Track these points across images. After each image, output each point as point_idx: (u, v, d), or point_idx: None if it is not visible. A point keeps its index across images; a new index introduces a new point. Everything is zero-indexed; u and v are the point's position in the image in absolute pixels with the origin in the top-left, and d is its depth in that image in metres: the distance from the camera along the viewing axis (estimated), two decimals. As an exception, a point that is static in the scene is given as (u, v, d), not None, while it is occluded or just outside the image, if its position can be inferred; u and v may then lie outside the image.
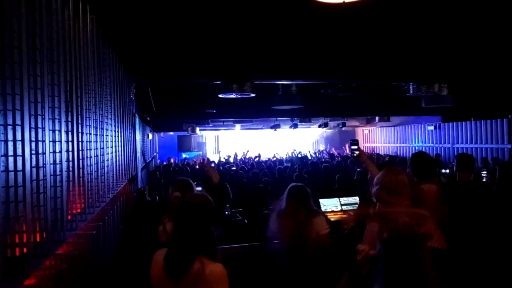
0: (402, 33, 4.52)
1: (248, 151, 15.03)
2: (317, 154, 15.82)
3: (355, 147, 3.61)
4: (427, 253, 1.99)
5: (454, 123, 12.38)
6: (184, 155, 18.63)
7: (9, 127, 1.40)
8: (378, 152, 16.98)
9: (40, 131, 1.68)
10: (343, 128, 16.44)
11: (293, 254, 3.27)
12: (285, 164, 10.41)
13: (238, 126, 14.38)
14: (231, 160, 14.19)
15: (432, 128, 13.50)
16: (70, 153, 2.15)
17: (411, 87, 6.70)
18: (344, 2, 2.02)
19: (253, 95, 6.07)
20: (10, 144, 1.40)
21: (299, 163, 10.57)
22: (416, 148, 14.34)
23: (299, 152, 15.45)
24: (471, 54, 5.44)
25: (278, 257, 3.41)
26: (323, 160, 12.66)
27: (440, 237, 2.89)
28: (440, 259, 2.52)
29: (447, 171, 6.21)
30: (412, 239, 1.92)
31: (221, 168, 10.09)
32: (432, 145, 13.73)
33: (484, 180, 6.09)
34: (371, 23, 4.08)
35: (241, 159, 14.11)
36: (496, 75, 6.91)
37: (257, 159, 13.37)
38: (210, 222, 2.05)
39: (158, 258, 2.01)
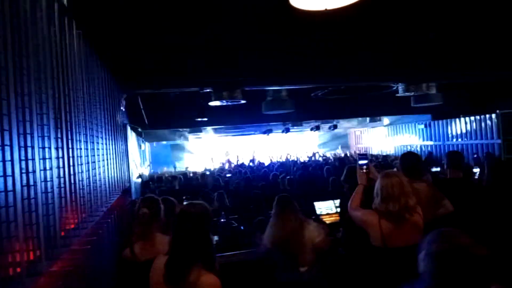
0: (388, 35, 4.59)
1: (228, 153, 15.00)
2: (313, 158, 15.82)
3: (364, 161, 3.14)
4: None
5: (444, 120, 12.52)
6: (177, 164, 18.58)
7: (-2, 148, 1.40)
8: (371, 153, 17.07)
9: (29, 149, 1.68)
10: (335, 130, 16.52)
11: (286, 264, 3.24)
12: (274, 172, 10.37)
13: (211, 133, 14.05)
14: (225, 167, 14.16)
15: (422, 126, 13.63)
16: (61, 169, 2.15)
17: (400, 87, 6.77)
18: (326, 9, 2.06)
19: (243, 101, 6.10)
20: (0, 164, 1.41)
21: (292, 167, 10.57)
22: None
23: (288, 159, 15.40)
24: (458, 52, 5.53)
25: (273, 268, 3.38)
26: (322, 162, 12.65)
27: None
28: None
29: (438, 169, 6.27)
30: None
31: (216, 175, 10.07)
32: (423, 143, 13.86)
33: (477, 177, 6.15)
34: (356, 26, 4.14)
35: (236, 165, 14.09)
36: (484, 72, 7.01)
37: (251, 163, 13.36)
38: (209, 231, 2.06)
39: (159, 265, 2.05)
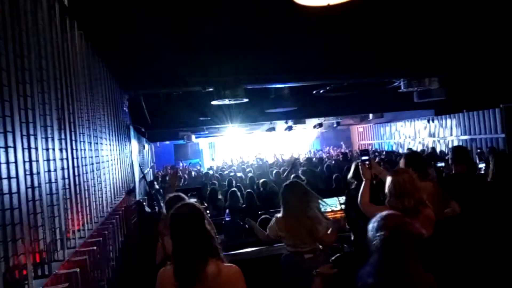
0: (391, 30, 4.56)
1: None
2: (316, 155, 15.77)
3: (366, 157, 3.28)
4: None
5: (447, 115, 12.44)
6: (181, 164, 18.61)
7: (2, 150, 1.40)
8: (374, 149, 17.02)
9: (33, 151, 1.68)
10: (338, 127, 16.48)
11: (298, 256, 3.26)
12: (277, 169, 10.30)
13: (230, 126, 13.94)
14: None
15: (425, 121, 13.56)
16: (66, 171, 2.15)
17: (402, 83, 6.73)
18: (328, 4, 2.04)
19: (246, 100, 6.08)
20: (4, 166, 1.40)
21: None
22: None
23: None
24: (461, 46, 5.48)
25: (283, 261, 3.39)
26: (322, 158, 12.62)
27: None
28: None
29: (442, 164, 6.23)
30: None
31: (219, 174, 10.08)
32: (426, 138, 13.79)
33: (482, 172, 6.10)
34: (359, 21, 4.11)
35: (238, 164, 14.09)
36: (487, 66, 6.96)
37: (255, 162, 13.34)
38: (206, 226, 1.99)
39: (165, 277, 1.96)
